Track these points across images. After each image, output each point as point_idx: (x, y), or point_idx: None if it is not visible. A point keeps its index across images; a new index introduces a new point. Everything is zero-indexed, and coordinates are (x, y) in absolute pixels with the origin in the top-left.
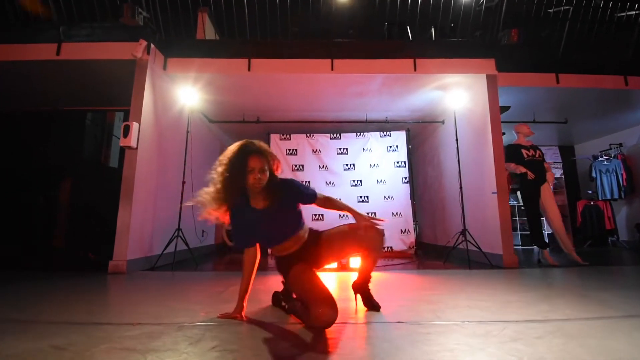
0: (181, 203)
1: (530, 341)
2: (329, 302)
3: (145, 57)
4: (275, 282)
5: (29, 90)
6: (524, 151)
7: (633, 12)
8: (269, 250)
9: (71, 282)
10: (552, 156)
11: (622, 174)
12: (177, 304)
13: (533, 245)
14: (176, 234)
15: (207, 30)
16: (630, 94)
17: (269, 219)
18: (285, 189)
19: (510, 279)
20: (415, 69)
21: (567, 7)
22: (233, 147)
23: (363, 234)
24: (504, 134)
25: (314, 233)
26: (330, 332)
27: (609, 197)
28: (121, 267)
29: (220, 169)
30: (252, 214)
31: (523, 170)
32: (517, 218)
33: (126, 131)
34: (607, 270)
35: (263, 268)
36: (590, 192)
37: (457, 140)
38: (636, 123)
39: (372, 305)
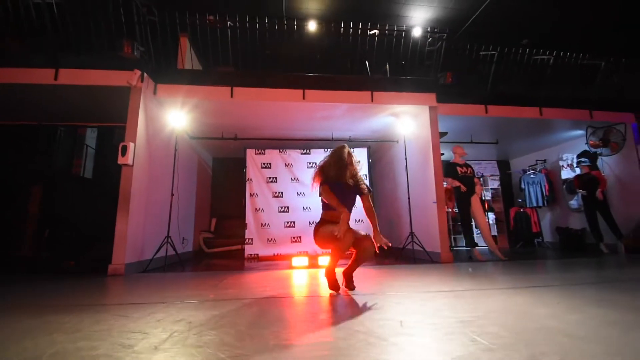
0: (170, 213)
1: (433, 300)
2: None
3: (139, 84)
4: (259, 279)
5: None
6: (458, 168)
7: (546, 56)
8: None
9: (78, 283)
10: (491, 169)
11: (544, 185)
12: (189, 292)
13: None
14: (166, 240)
15: (187, 54)
16: (546, 122)
17: (348, 192)
18: (360, 180)
19: (440, 270)
20: (372, 100)
21: (493, 52)
22: (339, 150)
23: (368, 245)
24: (442, 154)
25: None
26: (323, 301)
27: (535, 204)
28: (119, 270)
29: (332, 162)
30: (343, 186)
31: (457, 184)
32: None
33: (124, 151)
34: (518, 264)
35: (242, 268)
36: (520, 200)
37: (406, 159)
38: (556, 143)
39: (351, 286)
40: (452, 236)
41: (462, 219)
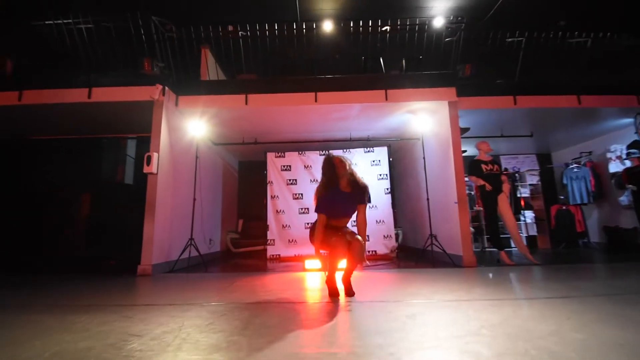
0: (193, 217)
1: (430, 311)
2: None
3: (161, 98)
4: (269, 282)
5: (52, 121)
6: (483, 166)
7: (582, 39)
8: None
9: (107, 283)
10: (529, 164)
11: (590, 180)
12: (199, 293)
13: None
14: (189, 242)
15: (209, 64)
16: (588, 110)
17: (345, 199)
18: (362, 188)
19: (458, 275)
20: (386, 99)
21: (520, 39)
22: (325, 160)
23: (357, 246)
24: (464, 151)
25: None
26: (321, 308)
27: (579, 202)
28: (147, 270)
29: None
30: (338, 193)
31: (482, 182)
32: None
33: (148, 160)
34: (549, 269)
35: (262, 269)
36: (562, 197)
37: (424, 158)
38: (602, 133)
39: (350, 292)
40: (484, 236)
41: (488, 219)
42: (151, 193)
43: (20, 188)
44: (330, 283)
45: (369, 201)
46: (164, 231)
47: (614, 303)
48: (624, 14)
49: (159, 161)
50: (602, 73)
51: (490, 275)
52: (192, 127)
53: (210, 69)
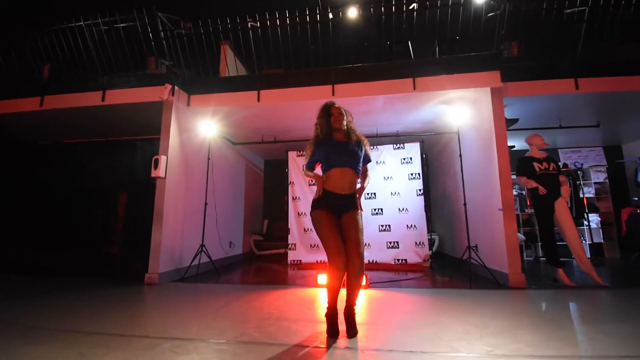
0: (204, 222)
1: None
2: (338, 262)
3: (171, 98)
4: (273, 301)
5: (86, 124)
6: (536, 164)
7: None
8: (324, 177)
9: (109, 292)
10: (595, 158)
11: None
12: (186, 316)
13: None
14: (200, 249)
15: (229, 61)
16: None
17: (341, 149)
18: (361, 142)
19: (502, 302)
20: (414, 88)
21: (583, 8)
22: (322, 107)
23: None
24: (512, 147)
25: (354, 200)
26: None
27: None
28: (154, 279)
29: (316, 121)
30: (331, 145)
31: (534, 185)
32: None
33: (156, 164)
34: (623, 295)
35: (276, 280)
36: (636, 198)
37: (460, 156)
38: None
39: (352, 331)
40: (538, 243)
41: (543, 229)
42: (159, 198)
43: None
44: (328, 316)
45: (368, 160)
46: (175, 237)
47: None
48: None
49: (169, 164)
50: None
51: (544, 306)
52: (205, 127)
53: (230, 65)
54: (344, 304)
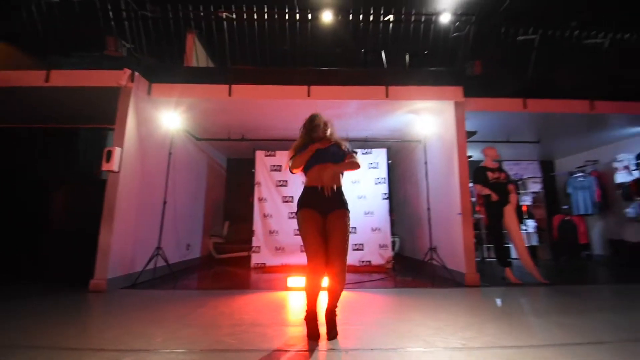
0: (162, 222)
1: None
2: (317, 264)
3: (130, 84)
4: (242, 306)
5: (23, 108)
6: (489, 173)
7: (598, 40)
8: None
9: (49, 300)
10: (532, 171)
11: (595, 190)
12: (147, 325)
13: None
14: (156, 252)
15: (199, 52)
16: (599, 117)
17: (320, 152)
18: (339, 143)
19: (461, 298)
20: (387, 96)
21: (533, 37)
22: (308, 117)
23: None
24: (470, 157)
25: (341, 199)
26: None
27: (583, 212)
28: (101, 286)
29: (301, 129)
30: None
31: (487, 192)
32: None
33: (108, 156)
34: (561, 291)
35: (240, 285)
36: (565, 207)
37: (425, 162)
38: (610, 141)
39: (332, 333)
40: (484, 246)
41: (493, 233)
42: (110, 195)
43: None
44: (308, 320)
45: (355, 152)
46: (127, 239)
47: None
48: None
49: (123, 157)
50: (618, 77)
51: (499, 301)
52: (167, 119)
53: (200, 57)
54: (325, 306)
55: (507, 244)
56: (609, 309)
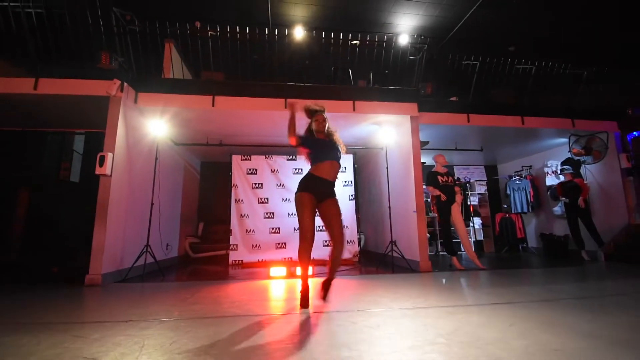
0: (149, 222)
1: (392, 320)
2: (307, 237)
3: (119, 94)
4: (233, 291)
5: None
6: (439, 177)
7: (528, 66)
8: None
9: (51, 295)
10: (478, 174)
11: (529, 192)
12: (157, 306)
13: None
14: (145, 249)
15: (174, 61)
16: (530, 129)
17: (326, 145)
18: (336, 140)
19: (415, 281)
20: (354, 109)
21: (475, 62)
22: (317, 109)
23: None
24: (423, 163)
25: (333, 188)
26: (289, 321)
27: (519, 210)
28: (96, 280)
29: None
30: (318, 140)
31: (438, 193)
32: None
33: (101, 161)
34: (495, 274)
35: (224, 277)
36: (505, 206)
37: (387, 167)
38: (541, 150)
39: (325, 297)
40: (438, 241)
41: (443, 227)
42: (103, 197)
43: None
44: (302, 291)
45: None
46: (117, 237)
47: (552, 309)
48: (567, 42)
49: (114, 162)
50: (544, 97)
51: (444, 280)
52: (153, 126)
53: (175, 65)
54: (325, 277)
55: (455, 237)
56: (526, 284)
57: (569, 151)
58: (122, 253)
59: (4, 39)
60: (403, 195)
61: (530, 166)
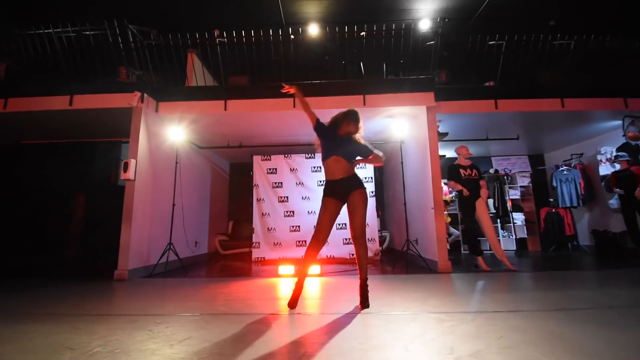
0: (172, 222)
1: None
2: (318, 238)
3: (140, 105)
4: (239, 289)
5: (46, 126)
6: (461, 171)
7: (565, 41)
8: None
9: (81, 288)
10: (521, 165)
11: (580, 183)
12: (162, 301)
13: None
14: (168, 247)
15: (197, 69)
16: (575, 112)
17: (338, 141)
18: (356, 140)
19: (432, 283)
20: (364, 104)
21: (501, 42)
22: (341, 112)
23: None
24: (443, 156)
25: (356, 181)
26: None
27: (568, 204)
28: (124, 275)
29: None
30: (335, 136)
31: (460, 187)
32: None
33: (125, 167)
34: (523, 277)
35: (241, 274)
36: (551, 200)
37: (402, 163)
38: (594, 135)
39: (363, 305)
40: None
41: (466, 224)
42: (128, 199)
43: (16, 190)
44: (295, 290)
45: (370, 151)
46: (143, 236)
47: (561, 320)
48: (612, 14)
49: (138, 167)
50: (587, 75)
51: (458, 284)
52: (173, 132)
53: (198, 73)
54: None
55: (481, 235)
56: (550, 289)
57: (624, 135)
58: (148, 251)
59: (41, 60)
60: (421, 191)
61: (582, 154)
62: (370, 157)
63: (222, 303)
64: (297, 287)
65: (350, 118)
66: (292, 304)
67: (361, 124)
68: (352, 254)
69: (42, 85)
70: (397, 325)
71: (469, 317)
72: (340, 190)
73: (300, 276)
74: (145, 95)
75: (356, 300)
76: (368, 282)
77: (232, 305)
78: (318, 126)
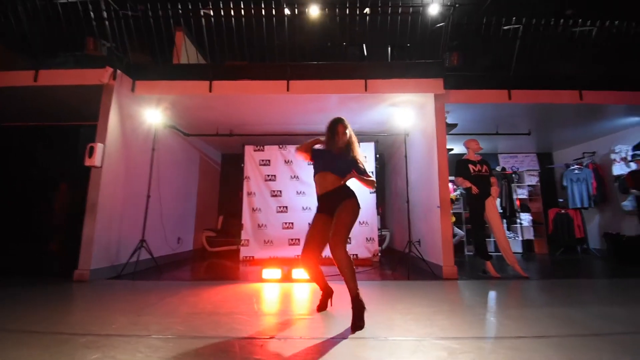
0: (145, 215)
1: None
2: (304, 255)
3: (112, 82)
4: (212, 296)
5: (25, 107)
6: (471, 166)
7: (587, 27)
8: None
9: (33, 290)
10: (529, 163)
11: (592, 183)
12: (112, 313)
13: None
14: (140, 244)
15: (189, 49)
16: (591, 107)
17: (334, 158)
18: (352, 155)
19: (436, 292)
20: (366, 89)
21: (517, 26)
22: (331, 120)
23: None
24: (451, 150)
25: (344, 192)
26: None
27: (579, 205)
28: (84, 276)
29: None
30: (328, 154)
31: (468, 185)
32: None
33: (91, 152)
34: (538, 285)
35: (221, 276)
36: (561, 200)
37: (405, 156)
38: (608, 132)
39: (354, 325)
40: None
41: (474, 225)
42: (93, 189)
43: None
44: (322, 295)
45: (360, 173)
46: (111, 231)
47: (603, 351)
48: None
49: (107, 153)
50: (608, 66)
51: (466, 294)
52: (151, 115)
53: (190, 54)
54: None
55: (488, 237)
56: (568, 304)
57: None
58: (118, 247)
59: (4, 31)
60: (426, 188)
61: (594, 152)
62: (362, 175)
63: (182, 319)
64: (322, 293)
65: (328, 129)
66: (319, 307)
67: (349, 131)
68: (354, 255)
69: (3, 59)
70: (397, 358)
71: (487, 346)
72: (328, 204)
73: (316, 283)
74: (118, 72)
75: (350, 314)
76: (365, 288)
77: (193, 323)
78: (312, 155)
